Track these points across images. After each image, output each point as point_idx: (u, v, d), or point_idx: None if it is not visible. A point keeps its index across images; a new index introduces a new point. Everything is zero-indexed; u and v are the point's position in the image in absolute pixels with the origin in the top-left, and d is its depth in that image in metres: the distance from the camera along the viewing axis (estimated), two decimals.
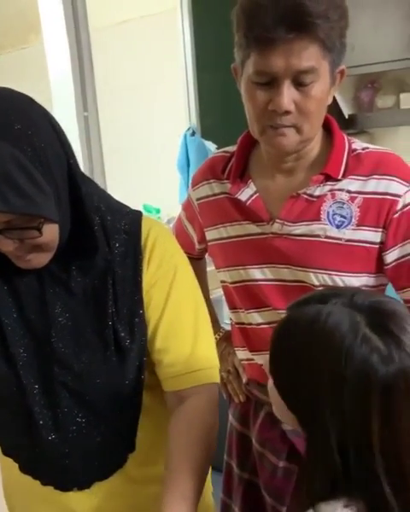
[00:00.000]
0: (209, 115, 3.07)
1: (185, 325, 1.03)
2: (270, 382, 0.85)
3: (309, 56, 1.03)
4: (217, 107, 3.09)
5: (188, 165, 3.08)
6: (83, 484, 1.01)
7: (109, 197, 1.05)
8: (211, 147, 3.01)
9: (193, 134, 3.05)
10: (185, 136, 3.06)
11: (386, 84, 2.80)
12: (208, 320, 1.08)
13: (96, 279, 0.98)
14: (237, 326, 1.36)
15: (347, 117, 2.79)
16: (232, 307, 1.36)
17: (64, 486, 1.02)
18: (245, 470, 1.43)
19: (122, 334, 0.97)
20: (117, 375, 0.97)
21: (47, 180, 0.83)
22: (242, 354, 1.38)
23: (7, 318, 0.97)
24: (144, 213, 1.06)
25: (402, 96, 2.76)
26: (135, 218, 1.03)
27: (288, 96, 1.05)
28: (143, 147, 3.41)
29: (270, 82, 1.06)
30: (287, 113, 1.07)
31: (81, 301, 0.98)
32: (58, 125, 0.90)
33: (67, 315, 0.97)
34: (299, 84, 1.05)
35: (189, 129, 3.06)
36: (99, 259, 0.97)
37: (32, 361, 0.97)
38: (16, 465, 1.05)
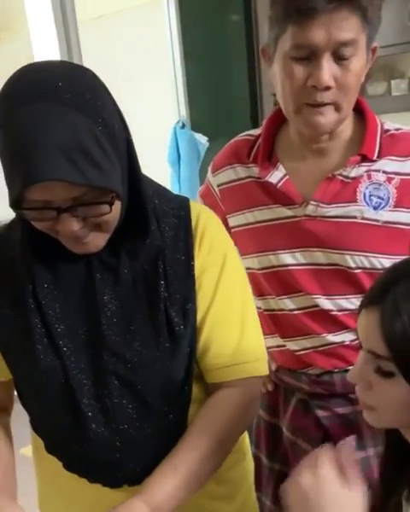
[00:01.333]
0: (199, 107, 3.03)
1: (233, 315, 1.00)
2: (376, 390, 0.78)
3: (350, 27, 1.01)
4: (206, 98, 3.06)
5: (179, 158, 3.05)
6: (134, 480, 0.96)
7: (154, 181, 1.02)
8: (202, 139, 2.97)
9: (183, 127, 3.01)
10: (175, 129, 3.03)
11: (377, 70, 2.79)
12: (255, 309, 1.05)
13: (147, 263, 0.94)
14: (266, 313, 1.32)
15: None
16: (260, 294, 1.32)
17: (114, 483, 0.97)
18: (276, 461, 1.39)
19: (176, 320, 0.94)
20: (169, 362, 0.94)
21: (115, 154, 0.80)
22: (271, 341, 1.35)
23: (50, 309, 0.92)
24: None
25: (393, 82, 2.77)
26: (183, 202, 1.01)
27: (328, 70, 1.03)
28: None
29: (308, 56, 1.04)
30: (327, 88, 1.04)
31: (130, 287, 0.94)
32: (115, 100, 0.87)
33: (115, 301, 0.94)
34: (338, 57, 1.03)
35: (178, 121, 3.03)
36: (150, 243, 0.94)
37: (80, 350, 0.93)
38: (58, 464, 1.00)
